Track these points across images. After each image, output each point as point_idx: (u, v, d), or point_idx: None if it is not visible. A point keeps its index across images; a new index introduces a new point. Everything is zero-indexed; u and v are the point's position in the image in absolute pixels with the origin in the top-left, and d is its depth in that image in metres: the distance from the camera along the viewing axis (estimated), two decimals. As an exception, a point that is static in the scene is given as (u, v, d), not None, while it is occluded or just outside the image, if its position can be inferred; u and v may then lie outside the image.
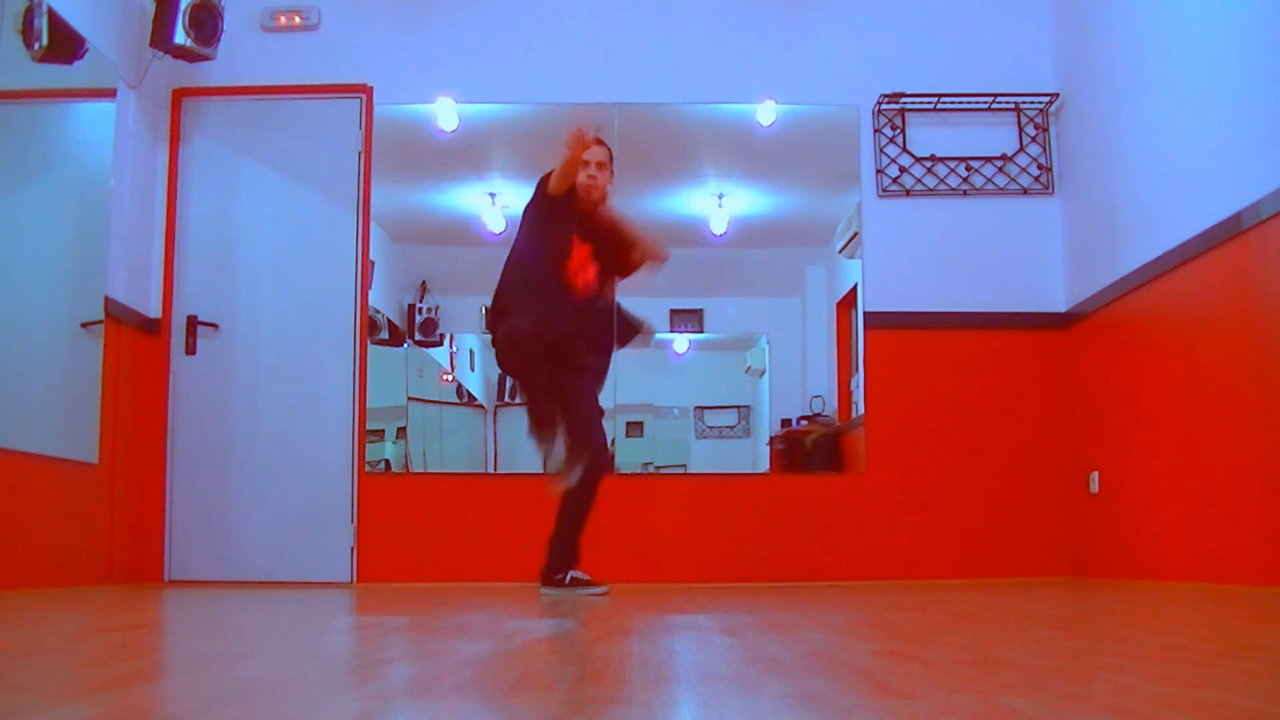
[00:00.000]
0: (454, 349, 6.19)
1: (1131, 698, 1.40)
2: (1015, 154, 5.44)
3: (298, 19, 5.46)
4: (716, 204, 5.96)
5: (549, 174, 4.09)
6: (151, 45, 5.00)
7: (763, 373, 6.02)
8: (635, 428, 5.80)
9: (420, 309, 5.94)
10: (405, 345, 5.92)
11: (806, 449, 5.69)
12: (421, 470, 5.80)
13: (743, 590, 4.54)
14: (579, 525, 4.16)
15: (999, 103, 5.41)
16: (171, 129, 5.39)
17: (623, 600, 3.80)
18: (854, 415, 5.59)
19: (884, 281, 5.39)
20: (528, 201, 4.21)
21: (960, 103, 5.40)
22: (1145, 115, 4.59)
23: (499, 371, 6.21)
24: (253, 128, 5.46)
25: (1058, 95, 5.38)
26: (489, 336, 4.22)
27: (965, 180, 5.41)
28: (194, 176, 5.39)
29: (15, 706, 1.34)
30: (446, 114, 5.59)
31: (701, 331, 6.02)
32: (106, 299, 4.82)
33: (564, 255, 4.07)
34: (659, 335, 5.65)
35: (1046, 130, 5.45)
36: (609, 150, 4.21)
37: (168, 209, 5.35)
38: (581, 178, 4.08)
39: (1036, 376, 5.31)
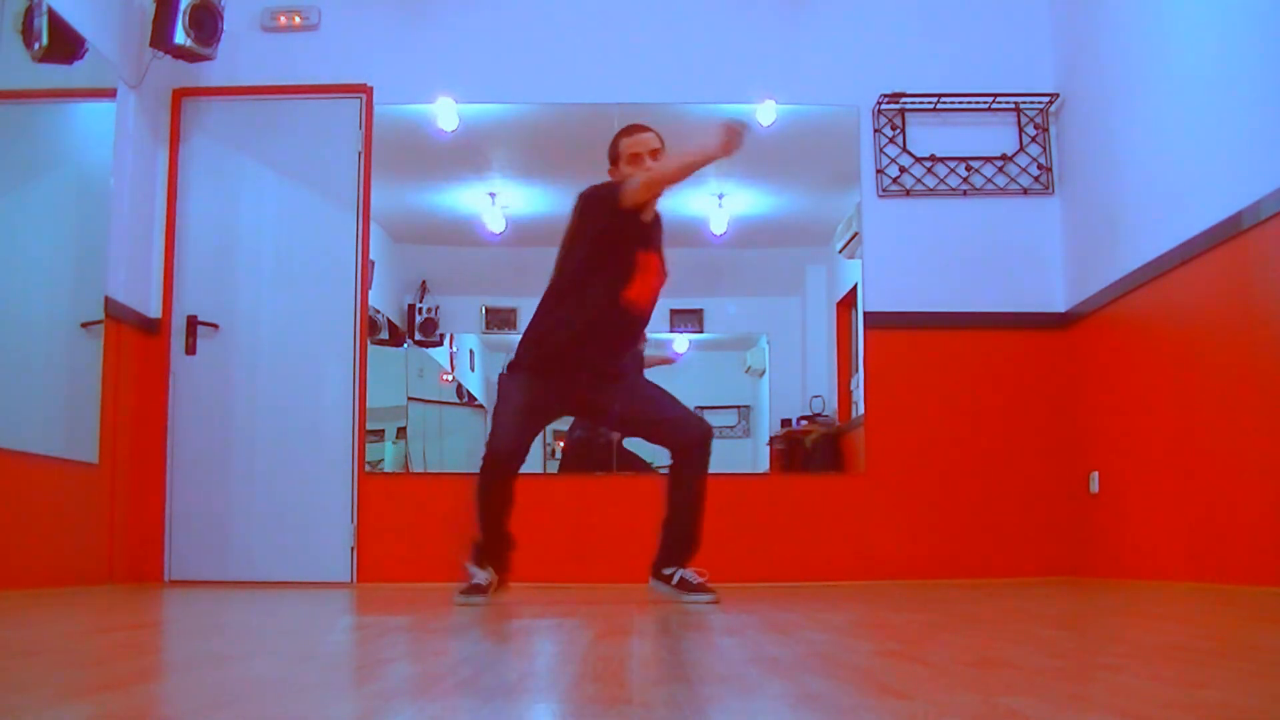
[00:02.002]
0: (454, 349, 6.19)
1: (1131, 698, 1.40)
2: (1015, 154, 5.44)
3: (298, 19, 5.45)
4: (716, 204, 5.95)
5: (610, 185, 3.62)
6: (151, 45, 4.99)
7: (763, 373, 6.02)
8: (635, 428, 5.79)
9: (420, 309, 5.94)
10: (405, 345, 5.92)
11: (806, 449, 5.69)
12: (421, 470, 5.80)
13: (743, 590, 4.53)
14: (484, 523, 3.64)
15: (999, 103, 5.41)
16: (171, 129, 5.39)
17: (623, 600, 3.80)
18: (854, 415, 5.59)
19: (884, 281, 5.38)
20: (577, 217, 3.68)
21: (960, 103, 5.40)
22: (1145, 115, 4.59)
23: (499, 372, 6.23)
24: (253, 128, 5.46)
25: (1058, 95, 5.38)
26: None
27: (965, 180, 5.41)
28: (194, 176, 5.39)
29: (15, 706, 1.34)
30: (446, 114, 5.58)
31: (701, 331, 6.01)
32: (106, 299, 4.82)
33: (627, 275, 3.58)
34: (657, 336, 5.64)
35: (1046, 130, 5.45)
36: (658, 135, 3.68)
37: (168, 209, 5.35)
38: (639, 173, 3.56)
39: (1036, 376, 5.31)
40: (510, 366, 3.78)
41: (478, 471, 3.67)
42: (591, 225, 3.61)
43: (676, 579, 3.60)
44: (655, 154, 3.61)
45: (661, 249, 3.76)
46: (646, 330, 3.97)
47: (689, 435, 3.69)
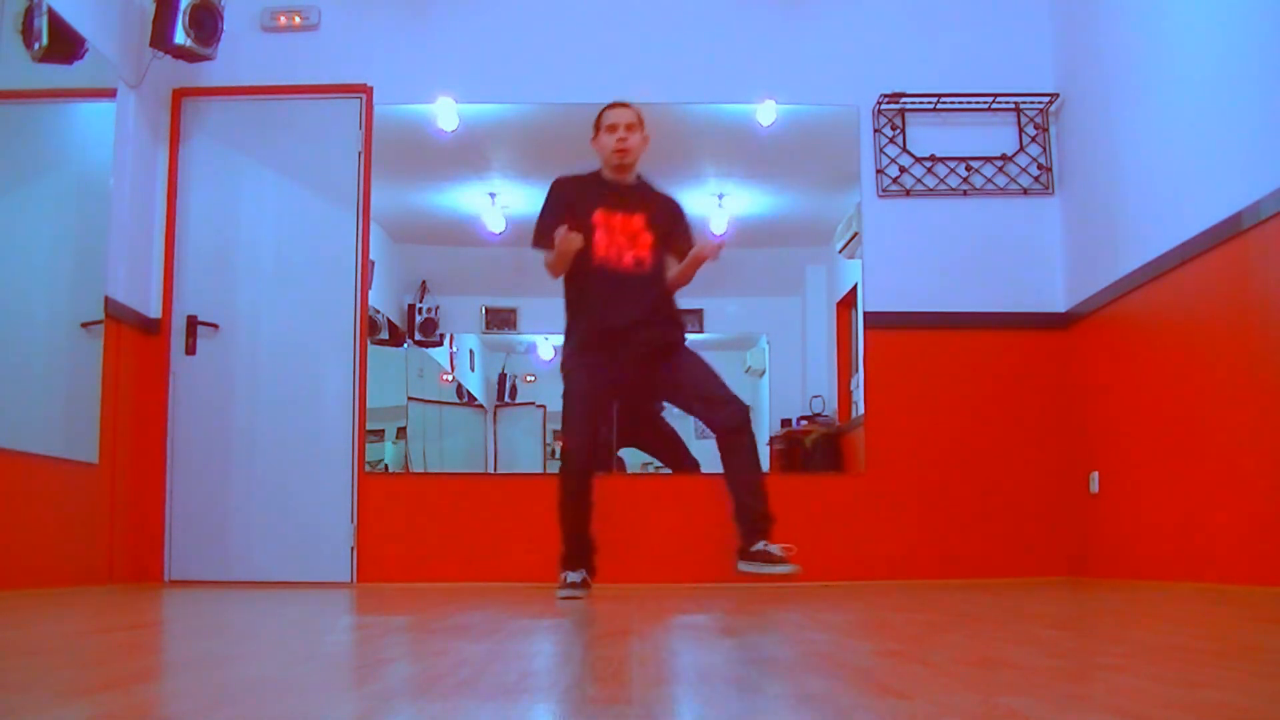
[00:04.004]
0: (454, 349, 6.19)
1: (1131, 698, 1.40)
2: (1015, 154, 5.44)
3: (298, 19, 5.45)
4: (716, 204, 5.96)
5: (557, 181, 4.07)
6: (151, 45, 4.99)
7: (763, 373, 6.02)
8: (635, 428, 5.79)
9: (420, 309, 5.94)
10: (405, 345, 5.92)
11: (806, 449, 5.69)
12: (421, 470, 5.80)
13: (743, 590, 4.53)
14: (566, 528, 3.99)
15: (999, 103, 5.41)
16: (171, 129, 5.39)
17: (623, 600, 3.80)
18: (854, 415, 5.59)
19: (884, 281, 5.38)
20: None
21: (960, 103, 5.40)
22: (1145, 115, 4.59)
23: (499, 371, 6.23)
24: (253, 128, 5.46)
25: (1058, 95, 5.38)
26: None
27: (965, 180, 5.41)
28: (194, 176, 5.39)
29: (15, 706, 1.34)
30: (446, 114, 5.59)
31: (701, 331, 6.02)
32: (106, 299, 4.82)
33: (589, 240, 3.88)
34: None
35: (1046, 130, 5.45)
36: (636, 112, 4.05)
37: (168, 209, 5.35)
38: (610, 143, 3.96)
39: (1036, 376, 5.31)
40: (564, 359, 4.05)
41: (559, 474, 3.97)
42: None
43: (755, 550, 3.77)
44: (630, 128, 3.97)
45: (642, 209, 3.97)
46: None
47: (721, 417, 3.86)
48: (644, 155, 4.19)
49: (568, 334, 4.03)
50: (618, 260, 3.88)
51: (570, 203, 3.96)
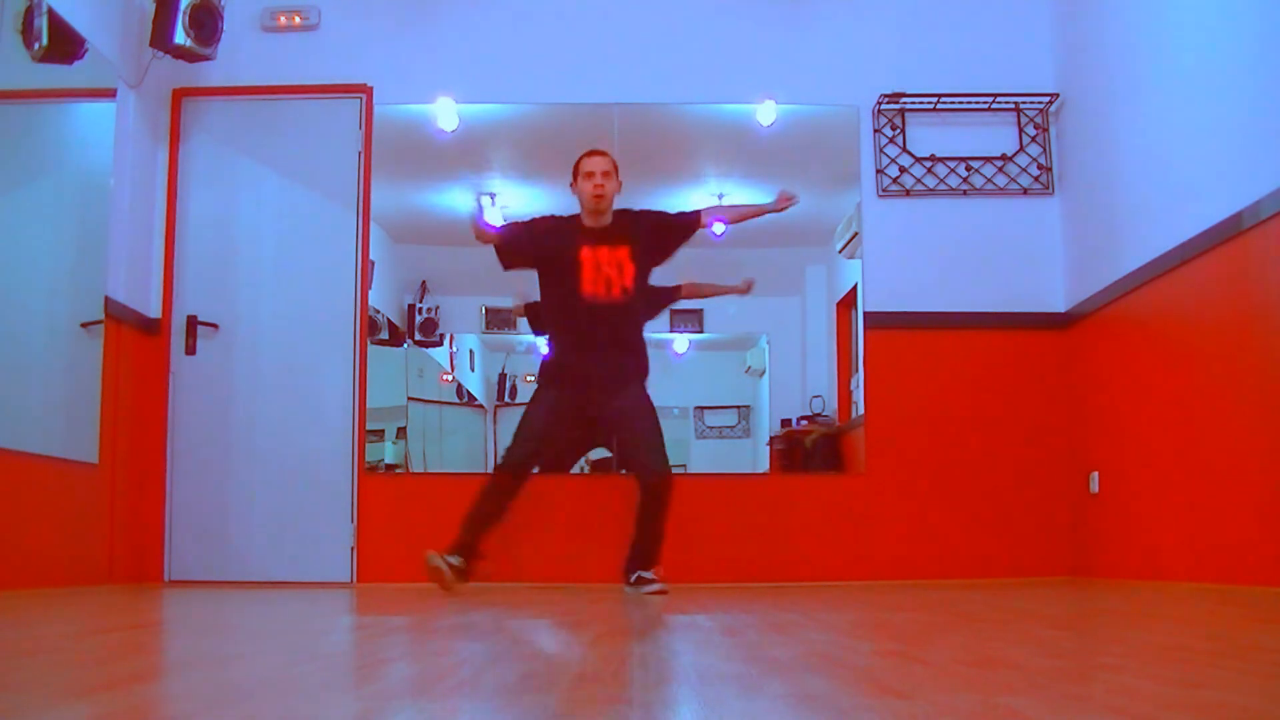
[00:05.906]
0: (454, 349, 6.19)
1: (1131, 698, 1.40)
2: (1015, 154, 5.44)
3: (298, 19, 5.45)
4: (716, 204, 5.94)
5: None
6: (151, 45, 4.99)
7: (763, 373, 6.02)
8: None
9: (420, 309, 5.93)
10: (405, 345, 5.92)
11: (806, 449, 5.68)
12: (421, 470, 5.79)
13: (743, 590, 4.53)
14: (469, 522, 4.42)
15: (999, 103, 5.41)
16: (171, 129, 5.39)
17: (622, 600, 3.80)
18: (854, 415, 5.59)
19: (884, 281, 5.38)
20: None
21: (960, 103, 5.40)
22: (1145, 115, 4.59)
23: (499, 371, 6.23)
24: (253, 128, 5.46)
25: (1058, 95, 5.38)
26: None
27: (965, 180, 5.41)
28: (194, 176, 5.39)
29: (15, 706, 1.34)
30: (446, 114, 5.58)
31: (701, 331, 6.01)
32: (106, 299, 4.82)
33: (575, 275, 4.36)
34: (660, 335, 5.64)
35: (1046, 130, 5.45)
36: (611, 160, 4.44)
37: (168, 209, 5.35)
38: (588, 188, 4.36)
39: (1036, 376, 5.31)
40: (536, 388, 4.58)
41: (490, 473, 4.41)
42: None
43: (634, 579, 4.35)
44: (606, 175, 4.38)
45: (626, 242, 4.41)
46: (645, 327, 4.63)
47: (645, 482, 4.34)
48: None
49: (545, 363, 4.59)
50: (607, 293, 4.32)
51: (545, 231, 4.49)
